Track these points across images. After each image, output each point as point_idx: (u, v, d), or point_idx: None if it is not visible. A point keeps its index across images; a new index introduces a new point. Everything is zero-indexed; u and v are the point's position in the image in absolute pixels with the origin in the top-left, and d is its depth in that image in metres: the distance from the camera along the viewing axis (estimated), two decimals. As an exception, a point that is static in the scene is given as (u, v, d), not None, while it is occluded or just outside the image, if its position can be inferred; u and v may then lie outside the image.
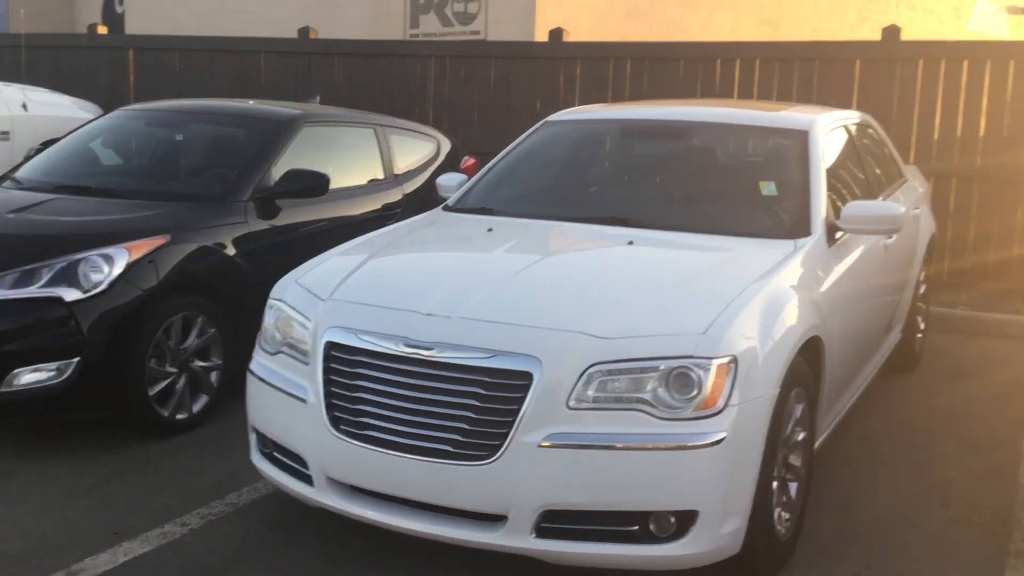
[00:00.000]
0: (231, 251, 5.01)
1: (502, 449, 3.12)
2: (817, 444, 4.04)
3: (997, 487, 4.44)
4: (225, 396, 4.97)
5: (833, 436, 4.44)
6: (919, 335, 6.19)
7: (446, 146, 7.00)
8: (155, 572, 3.52)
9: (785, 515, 3.57)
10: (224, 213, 5.07)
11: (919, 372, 6.14)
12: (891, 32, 8.16)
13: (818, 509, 4.08)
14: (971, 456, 4.81)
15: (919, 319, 6.16)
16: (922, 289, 6.15)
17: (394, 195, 6.24)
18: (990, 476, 4.56)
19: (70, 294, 4.37)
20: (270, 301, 3.85)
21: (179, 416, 4.75)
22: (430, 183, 6.03)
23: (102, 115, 6.48)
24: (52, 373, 4.35)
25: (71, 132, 6.09)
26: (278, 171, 5.38)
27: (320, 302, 3.63)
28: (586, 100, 8.81)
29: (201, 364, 4.86)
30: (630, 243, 4.04)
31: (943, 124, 7.98)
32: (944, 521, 4.10)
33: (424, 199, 5.92)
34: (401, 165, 6.44)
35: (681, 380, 3.13)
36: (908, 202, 5.70)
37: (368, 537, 3.72)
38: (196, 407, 4.85)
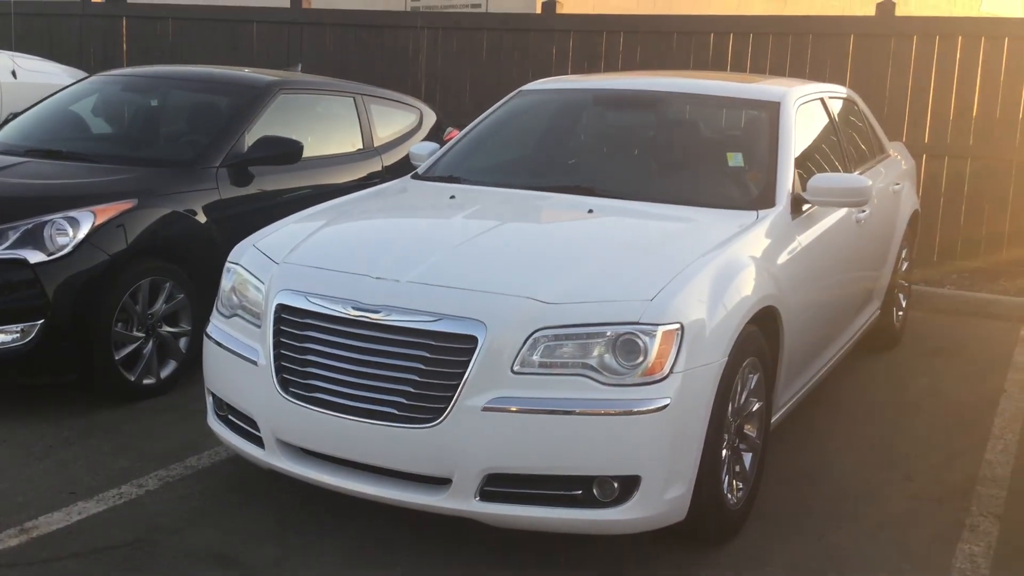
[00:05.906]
0: (201, 217, 5.00)
1: (446, 412, 3.12)
2: (778, 415, 4.02)
3: (962, 464, 4.41)
4: (196, 363, 4.96)
5: (801, 409, 4.42)
6: (900, 312, 6.14)
7: (430, 117, 6.96)
8: (108, 530, 3.54)
9: (737, 484, 3.56)
10: (195, 179, 5.06)
11: (899, 350, 6.10)
12: (886, 7, 8.05)
13: (779, 481, 4.07)
14: (940, 434, 4.78)
15: (900, 296, 6.12)
16: (904, 266, 6.10)
17: (373, 165, 6.21)
18: (957, 453, 4.54)
19: (35, 256, 4.37)
20: (227, 264, 3.85)
21: (146, 381, 4.76)
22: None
23: (81, 80, 6.46)
24: (16, 335, 4.36)
25: (47, 97, 6.07)
26: (251, 138, 5.36)
27: (274, 265, 3.62)
28: (578, 73, 8.73)
29: (170, 330, 4.86)
30: (590, 212, 4.01)
31: (936, 102, 7.89)
32: (905, 496, 4.08)
33: (406, 171, 5.87)
34: (382, 135, 6.40)
35: (627, 346, 3.11)
36: (888, 178, 5.65)
37: (323, 500, 3.73)
38: (164, 373, 4.85)
